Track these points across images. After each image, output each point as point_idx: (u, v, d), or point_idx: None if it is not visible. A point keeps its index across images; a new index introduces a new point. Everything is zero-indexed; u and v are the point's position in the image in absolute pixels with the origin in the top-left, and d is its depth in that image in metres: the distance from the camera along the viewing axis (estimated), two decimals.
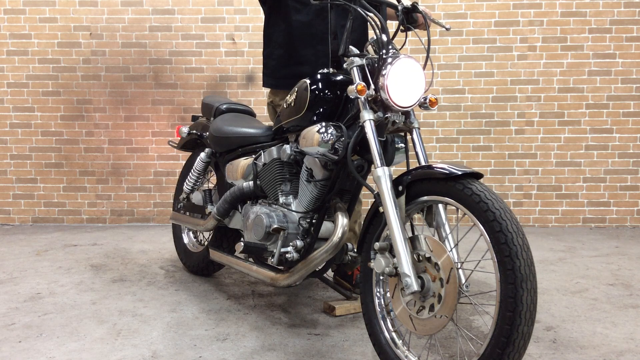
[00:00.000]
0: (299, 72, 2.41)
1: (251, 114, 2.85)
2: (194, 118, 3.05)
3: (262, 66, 2.69)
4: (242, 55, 4.35)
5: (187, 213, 2.99)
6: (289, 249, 2.04)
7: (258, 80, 4.33)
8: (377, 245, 1.74)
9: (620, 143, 4.30)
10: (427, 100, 1.88)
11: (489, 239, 1.48)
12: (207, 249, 2.77)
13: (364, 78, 1.85)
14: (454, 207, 1.61)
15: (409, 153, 1.98)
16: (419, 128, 1.91)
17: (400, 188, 1.71)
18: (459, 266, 1.65)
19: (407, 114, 1.88)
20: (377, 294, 1.86)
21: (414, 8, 2.04)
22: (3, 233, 4.16)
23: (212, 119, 2.79)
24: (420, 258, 1.65)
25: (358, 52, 1.92)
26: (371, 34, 1.91)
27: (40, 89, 4.39)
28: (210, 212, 2.71)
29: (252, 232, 2.19)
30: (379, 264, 1.70)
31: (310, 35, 2.47)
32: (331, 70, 2.08)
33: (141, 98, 4.39)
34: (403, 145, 1.99)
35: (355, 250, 2.00)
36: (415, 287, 1.58)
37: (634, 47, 4.24)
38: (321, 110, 2.01)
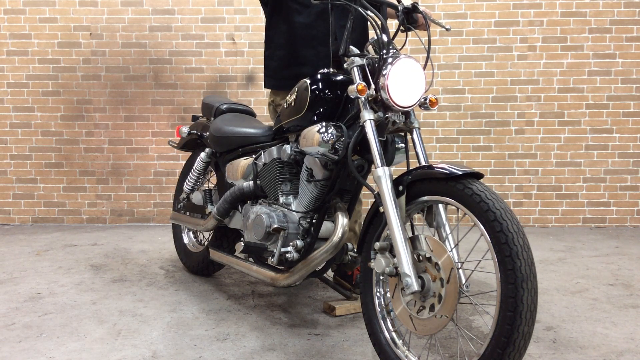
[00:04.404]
0: (300, 73, 2.41)
1: (251, 114, 2.85)
2: (194, 118, 3.05)
3: (262, 66, 2.69)
4: (242, 55, 4.36)
5: (187, 213, 2.98)
6: (289, 248, 2.04)
7: (258, 80, 4.34)
8: (377, 245, 1.74)
9: (620, 143, 4.30)
10: (427, 100, 1.88)
11: (489, 239, 1.48)
12: (207, 249, 2.77)
13: (365, 78, 1.85)
14: (454, 207, 1.61)
15: (409, 153, 1.98)
16: (419, 128, 1.91)
17: (400, 188, 1.70)
18: (459, 266, 1.65)
19: (407, 114, 1.88)
20: (377, 294, 1.86)
21: (414, 8, 2.04)
22: (3, 233, 4.16)
23: (212, 119, 2.79)
24: (421, 258, 1.65)
25: (358, 52, 1.92)
26: (371, 34, 1.91)
27: (40, 89, 4.39)
28: (210, 212, 2.71)
29: (252, 232, 2.19)
30: (379, 264, 1.70)
31: (311, 36, 2.48)
32: (331, 70, 2.08)
33: (141, 98, 4.39)
34: (403, 145, 1.99)
35: (355, 250, 2.00)
36: (415, 287, 1.58)
37: (634, 47, 4.24)
38: (321, 110, 2.01)
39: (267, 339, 2.11)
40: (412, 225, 1.81)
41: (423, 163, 1.87)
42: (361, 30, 2.54)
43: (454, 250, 1.68)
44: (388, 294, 1.83)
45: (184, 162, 3.38)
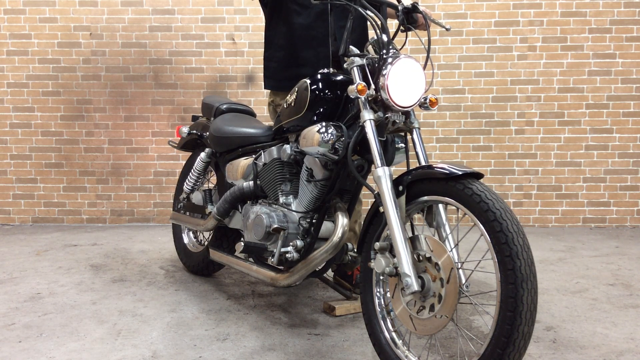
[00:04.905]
0: (300, 73, 2.41)
1: (251, 114, 2.85)
2: (194, 118, 3.06)
3: (262, 67, 2.69)
4: (242, 55, 4.35)
5: (187, 213, 2.99)
6: (289, 248, 2.04)
7: (258, 80, 4.34)
8: (377, 245, 1.74)
9: (620, 143, 4.30)
10: (427, 100, 1.88)
11: (489, 238, 1.48)
12: (207, 249, 2.77)
13: (364, 78, 1.85)
14: (454, 207, 1.61)
15: (409, 153, 1.98)
16: (419, 128, 1.91)
17: (400, 188, 1.71)
18: (459, 266, 1.65)
19: (407, 114, 1.88)
20: (377, 294, 1.86)
21: (414, 8, 2.04)
22: (3, 233, 4.16)
23: (212, 119, 2.79)
24: (421, 258, 1.65)
25: (358, 52, 1.92)
26: (371, 34, 1.91)
27: (40, 89, 4.39)
28: (210, 212, 2.71)
29: (252, 232, 2.19)
30: (379, 263, 1.70)
31: (311, 37, 2.48)
32: (331, 70, 2.08)
33: (141, 98, 4.39)
34: (403, 145, 1.99)
35: (355, 250, 2.00)
36: (415, 287, 1.59)
37: (634, 47, 4.24)
38: (321, 110, 2.01)
39: (267, 339, 2.11)
40: (412, 225, 1.81)
41: (423, 163, 1.87)
42: (361, 30, 2.54)
43: (454, 250, 1.68)
44: (388, 294, 1.83)
45: (184, 162, 3.38)
